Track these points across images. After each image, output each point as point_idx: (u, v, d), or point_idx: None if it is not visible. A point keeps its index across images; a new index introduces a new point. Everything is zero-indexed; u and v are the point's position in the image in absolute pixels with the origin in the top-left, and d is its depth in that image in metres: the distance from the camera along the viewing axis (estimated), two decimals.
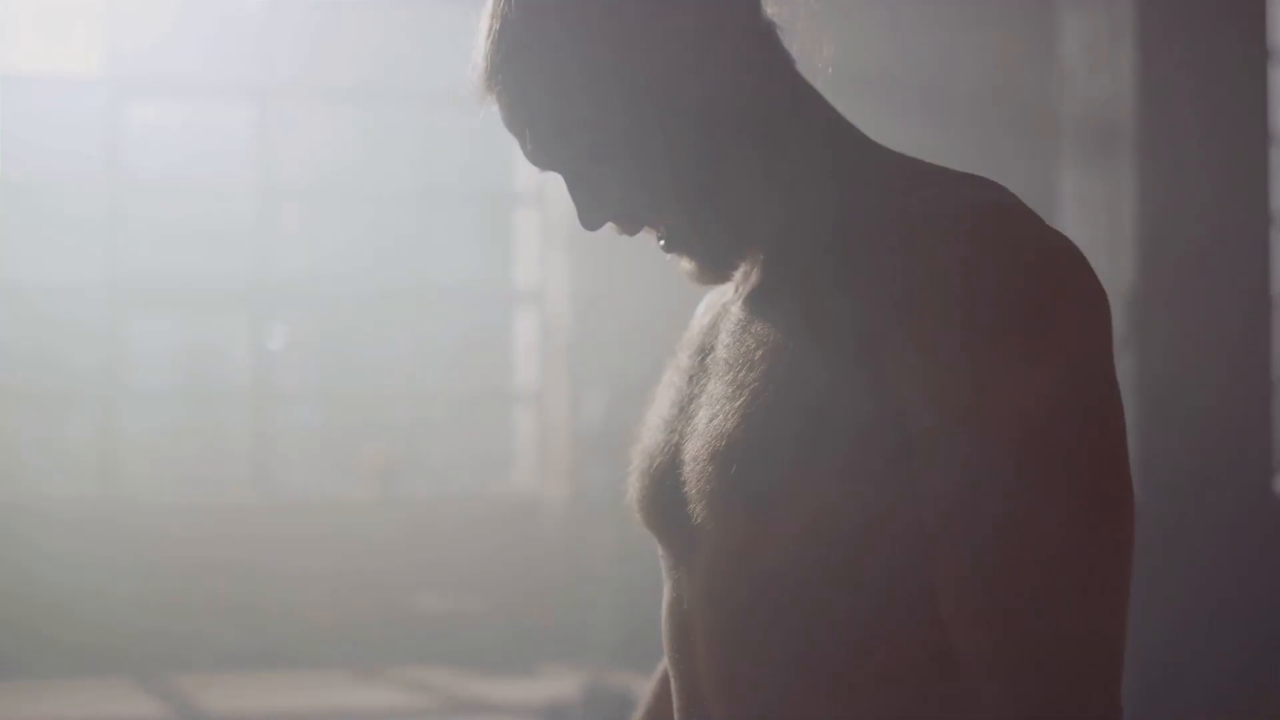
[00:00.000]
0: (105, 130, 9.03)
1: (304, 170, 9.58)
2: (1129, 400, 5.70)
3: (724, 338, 1.54)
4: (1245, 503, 5.73)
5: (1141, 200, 5.69)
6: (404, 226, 9.55)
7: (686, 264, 1.57)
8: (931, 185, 1.42)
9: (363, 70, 9.67)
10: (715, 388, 1.50)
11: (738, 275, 1.60)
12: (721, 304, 1.62)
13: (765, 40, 1.54)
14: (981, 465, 1.31)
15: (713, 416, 1.48)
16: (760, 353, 1.46)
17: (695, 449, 1.49)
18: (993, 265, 1.32)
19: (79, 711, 7.45)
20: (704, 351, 1.58)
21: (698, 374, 1.57)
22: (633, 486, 1.63)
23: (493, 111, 1.57)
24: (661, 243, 1.55)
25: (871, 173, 1.49)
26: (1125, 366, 5.72)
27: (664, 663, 1.84)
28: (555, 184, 9.53)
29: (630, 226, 1.55)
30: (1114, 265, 5.77)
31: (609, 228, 1.58)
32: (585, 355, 9.30)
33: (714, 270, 1.55)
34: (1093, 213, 5.91)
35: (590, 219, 1.56)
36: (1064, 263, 1.34)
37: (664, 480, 1.56)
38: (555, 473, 9.45)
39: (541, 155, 1.54)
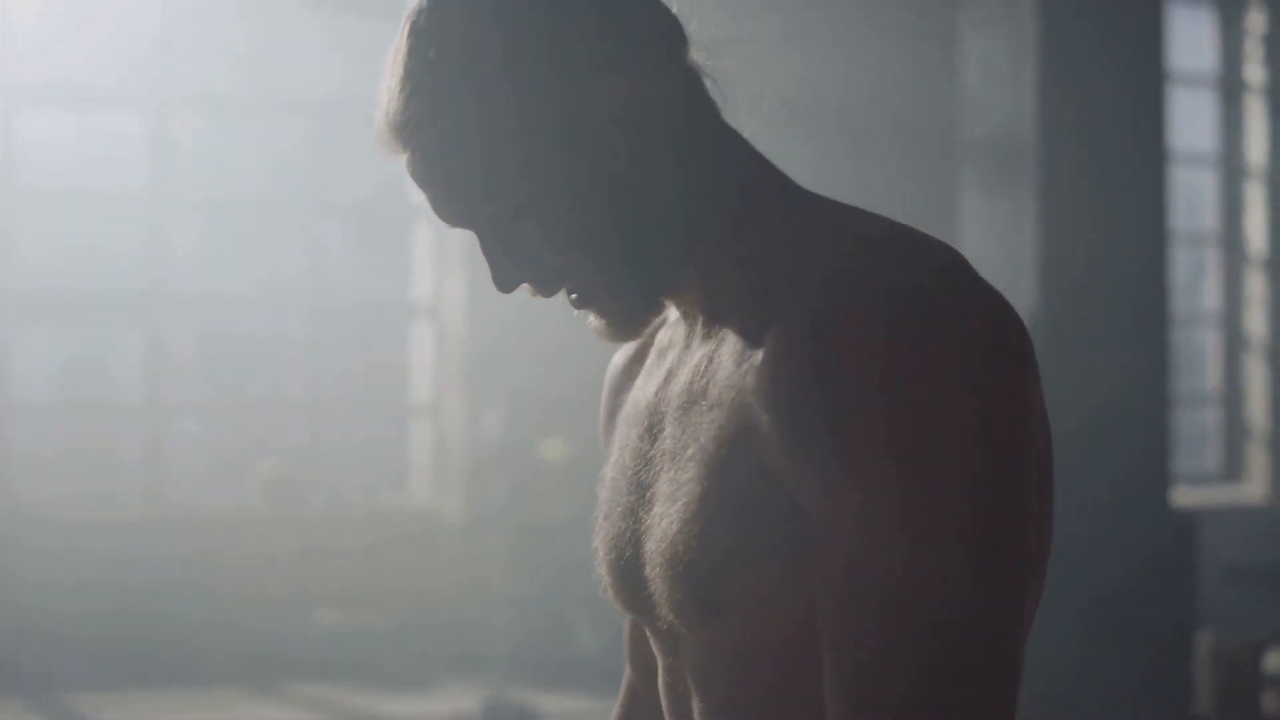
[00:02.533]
0: None
1: (198, 182, 9.50)
2: None
3: (669, 425, 1.50)
4: (1144, 517, 5.85)
5: (1042, 221, 5.80)
6: (299, 240, 9.50)
7: (596, 321, 1.53)
8: (856, 256, 1.38)
9: (258, 82, 9.61)
10: (662, 484, 1.48)
11: (666, 335, 1.59)
12: (663, 371, 1.57)
13: (689, 88, 1.51)
14: (863, 568, 1.28)
15: (662, 516, 1.45)
16: (690, 450, 1.44)
17: (651, 551, 1.47)
18: (889, 367, 1.28)
19: None
20: (653, 433, 1.54)
21: (650, 460, 1.53)
22: (604, 576, 1.59)
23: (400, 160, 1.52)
24: (573, 298, 1.52)
25: (796, 232, 1.46)
26: None
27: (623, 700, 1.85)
28: None
29: (547, 288, 1.52)
30: (1015, 285, 5.88)
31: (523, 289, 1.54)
32: (482, 369, 9.30)
33: (625, 329, 1.53)
34: (994, 234, 6.01)
35: (505, 280, 1.52)
36: (972, 357, 1.29)
37: (632, 576, 1.52)
38: (452, 487, 9.44)
39: (455, 213, 1.50)
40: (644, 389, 1.60)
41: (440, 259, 9.61)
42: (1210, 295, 11.22)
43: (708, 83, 1.54)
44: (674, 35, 1.51)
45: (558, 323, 8.50)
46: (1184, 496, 9.41)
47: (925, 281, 1.32)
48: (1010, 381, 1.31)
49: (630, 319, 1.52)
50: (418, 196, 9.44)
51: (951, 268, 1.35)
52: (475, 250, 9.27)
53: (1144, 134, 5.91)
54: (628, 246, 1.48)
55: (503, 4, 1.46)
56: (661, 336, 1.62)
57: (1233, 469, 11.13)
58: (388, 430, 10.08)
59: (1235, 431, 11.15)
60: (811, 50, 9.47)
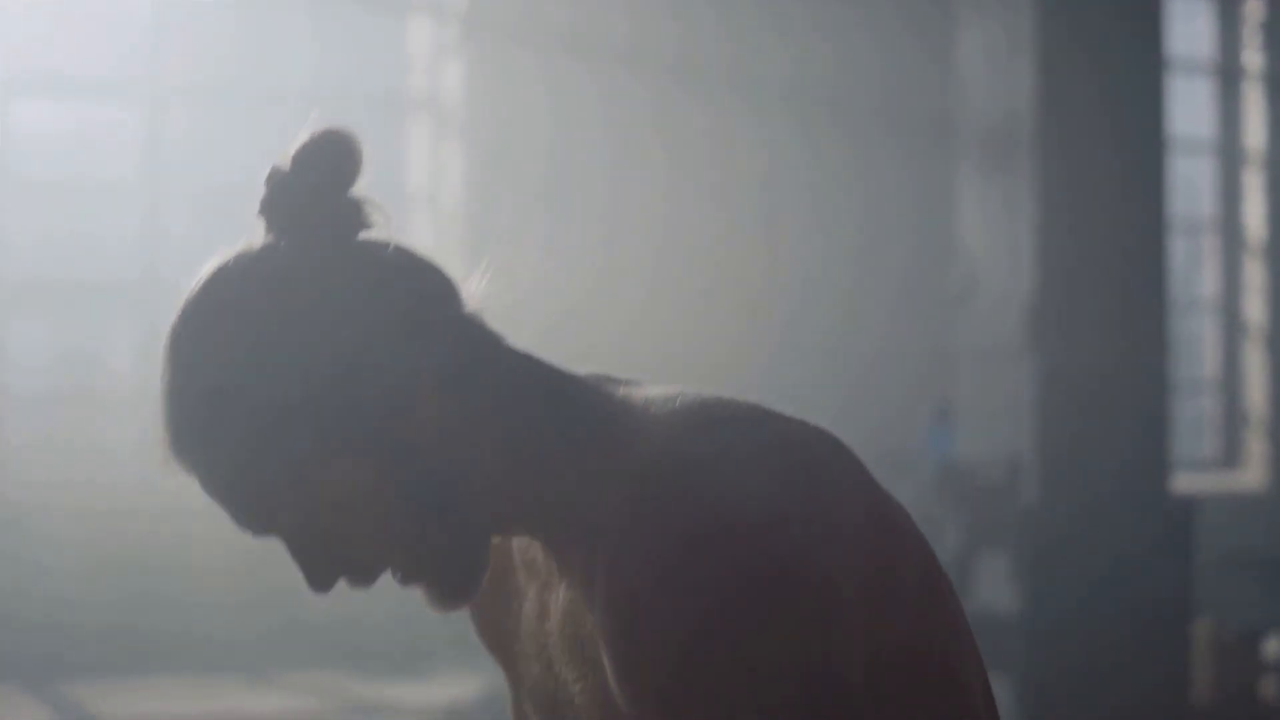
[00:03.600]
0: None
1: (191, 172, 9.48)
2: (1029, 403, 5.79)
3: (562, 665, 1.52)
4: (1144, 502, 5.84)
5: (1040, 207, 5.78)
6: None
7: (426, 595, 1.50)
8: (651, 485, 1.38)
9: (250, 71, 9.58)
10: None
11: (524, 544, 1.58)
12: (538, 604, 1.57)
13: (464, 347, 1.48)
14: None
15: None
16: (583, 686, 1.47)
17: None
18: (685, 618, 1.31)
19: None
20: (554, 671, 1.55)
21: (562, 691, 1.54)
22: None
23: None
24: (397, 577, 1.49)
25: (596, 456, 1.45)
26: (1025, 371, 5.81)
27: None
28: (451, 181, 9.51)
29: (366, 582, 1.49)
30: (1013, 271, 5.86)
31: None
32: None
33: (457, 601, 1.50)
34: (992, 220, 5.99)
35: (320, 583, 1.50)
36: (771, 585, 1.32)
37: None
38: None
39: (252, 527, 1.48)
40: (529, 619, 1.59)
41: (436, 248, 9.57)
42: (1208, 282, 11.19)
43: (488, 319, 1.51)
44: (440, 297, 1.48)
45: (559, 304, 8.46)
46: (1182, 483, 9.37)
47: (712, 514, 1.33)
48: (811, 594, 1.33)
49: (459, 594, 1.49)
50: (415, 182, 9.39)
51: (746, 464, 1.37)
52: (472, 242, 9.26)
53: (1142, 120, 5.89)
54: (432, 535, 1.46)
55: (258, 314, 1.44)
56: (520, 545, 1.60)
57: (1231, 456, 11.12)
58: None
59: (1233, 419, 11.14)
60: (807, 36, 9.43)
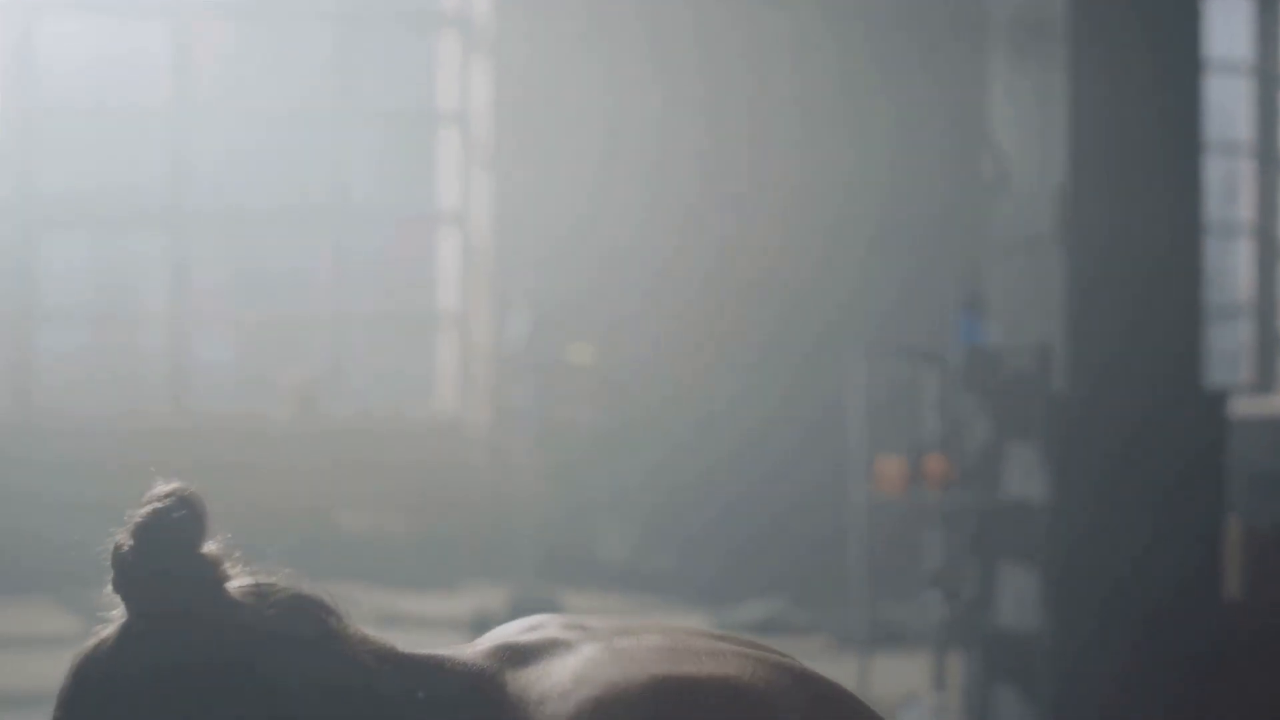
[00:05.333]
0: (17, 48, 8.89)
1: (222, 90, 9.46)
2: (1059, 293, 5.73)
3: None
4: (1174, 395, 5.77)
5: (1073, 94, 5.71)
6: (324, 147, 9.46)
7: None
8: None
9: None
10: None
11: None
12: None
13: (362, 672, 1.47)
14: None
15: None
16: None
17: None
18: None
19: None
20: None
21: None
22: None
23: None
24: None
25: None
26: (1056, 261, 5.75)
27: None
28: (479, 103, 9.47)
29: None
30: (1045, 160, 5.79)
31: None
32: (508, 276, 9.26)
33: None
34: (1023, 108, 5.92)
35: None
36: None
37: None
38: (478, 394, 9.42)
39: None
40: None
41: (466, 167, 9.55)
42: (1244, 207, 11.10)
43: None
44: (316, 631, 1.47)
45: (583, 228, 8.49)
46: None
47: None
48: None
49: None
50: (445, 103, 9.36)
51: None
52: (501, 156, 9.22)
53: (1177, 37, 5.80)
54: None
55: (128, 704, 1.41)
56: None
57: (1265, 381, 11.04)
58: (414, 340, 10.05)
59: (1267, 344, 11.05)
60: None
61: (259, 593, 1.47)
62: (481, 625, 7.49)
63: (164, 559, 1.44)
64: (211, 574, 1.46)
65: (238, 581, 1.48)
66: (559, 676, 1.45)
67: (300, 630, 1.46)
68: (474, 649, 1.53)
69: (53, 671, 1.52)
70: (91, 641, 1.46)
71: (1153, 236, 5.78)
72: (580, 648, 1.49)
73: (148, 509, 1.47)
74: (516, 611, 7.58)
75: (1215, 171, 10.71)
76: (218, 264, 9.89)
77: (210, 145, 9.34)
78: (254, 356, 9.95)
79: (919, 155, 9.37)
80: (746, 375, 9.25)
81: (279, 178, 9.74)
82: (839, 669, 5.60)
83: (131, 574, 1.44)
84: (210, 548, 1.48)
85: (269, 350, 9.93)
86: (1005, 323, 5.95)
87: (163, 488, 1.48)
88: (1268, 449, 10.15)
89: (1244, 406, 10.44)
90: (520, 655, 1.51)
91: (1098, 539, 5.69)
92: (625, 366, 9.20)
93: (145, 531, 1.44)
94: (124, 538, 1.45)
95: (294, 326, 9.95)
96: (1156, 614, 5.76)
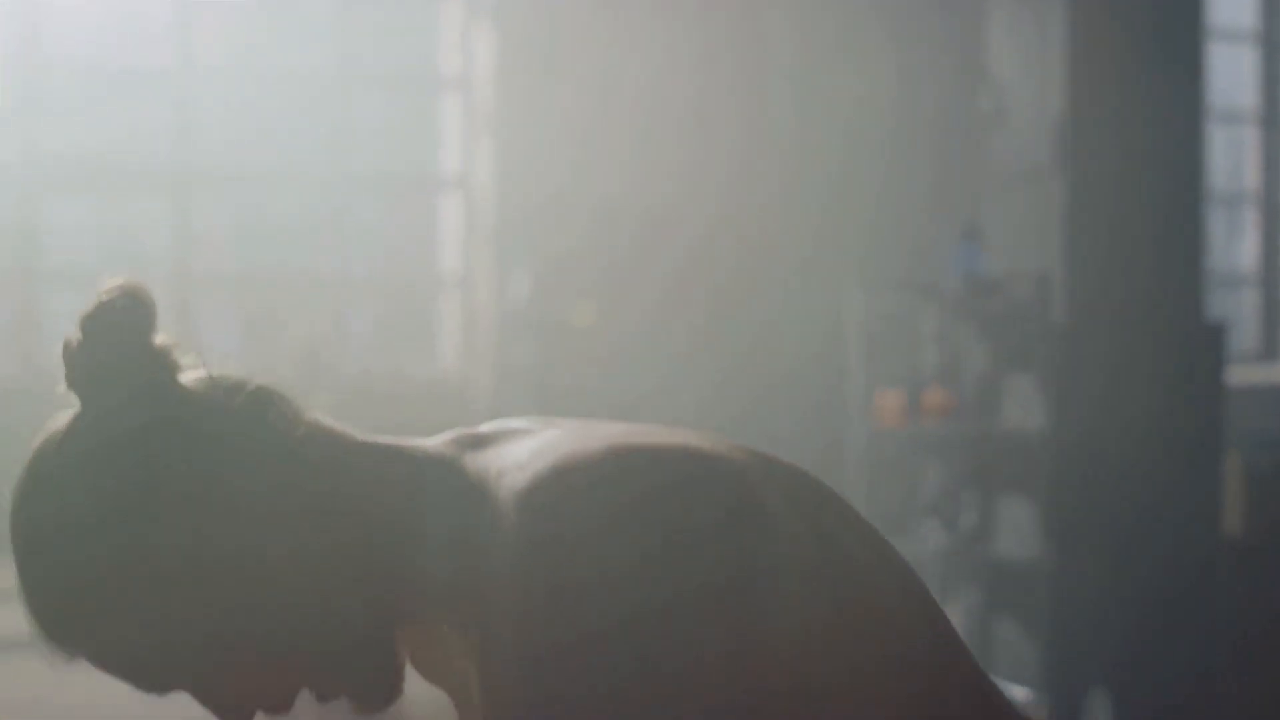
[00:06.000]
0: (22, 9, 8.91)
1: (226, 53, 9.47)
2: (1058, 224, 5.73)
3: None
4: (1174, 323, 5.77)
5: (1071, 25, 5.71)
6: (328, 111, 9.47)
7: (348, 703, 1.50)
8: (513, 544, 1.36)
9: None
10: None
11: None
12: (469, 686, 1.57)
13: (321, 460, 1.46)
14: None
15: None
16: None
17: None
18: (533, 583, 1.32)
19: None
20: None
21: None
22: None
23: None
24: (315, 697, 1.47)
25: (463, 531, 1.43)
26: (1055, 192, 5.74)
27: None
28: (481, 68, 9.48)
29: (283, 707, 1.47)
30: (1043, 90, 5.79)
31: None
32: (510, 238, 9.26)
33: (376, 706, 1.49)
34: (1023, 40, 5.92)
35: (239, 717, 1.47)
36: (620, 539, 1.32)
37: None
38: (480, 354, 9.42)
39: (151, 688, 1.46)
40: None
41: (469, 129, 9.57)
42: (1249, 175, 11.09)
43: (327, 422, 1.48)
44: (272, 418, 1.45)
45: (584, 189, 8.50)
46: (1233, 375, 9.28)
47: (567, 569, 1.33)
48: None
49: (377, 698, 1.48)
50: (448, 69, 9.39)
51: (608, 511, 1.35)
52: (504, 119, 9.23)
53: None
54: (329, 654, 1.45)
55: (85, 490, 1.40)
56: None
57: (1270, 348, 11.02)
58: (417, 301, 10.06)
59: (1272, 312, 11.04)
60: None
61: (212, 383, 1.46)
62: None
63: (112, 349, 1.43)
64: (162, 363, 1.45)
65: (191, 373, 1.47)
66: (518, 453, 1.44)
67: (256, 417, 1.45)
68: (435, 439, 1.53)
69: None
70: (44, 433, 1.47)
71: (1152, 166, 5.77)
72: (541, 432, 1.49)
73: (97, 304, 1.45)
74: None
75: (1220, 141, 10.70)
76: (221, 225, 9.89)
77: (214, 108, 9.35)
78: (257, 316, 9.96)
79: (918, 89, 9.39)
80: (749, 324, 9.25)
81: (283, 141, 9.75)
82: None
83: (81, 366, 1.43)
84: (160, 339, 1.47)
85: (272, 310, 9.94)
86: (1004, 255, 5.95)
87: (110, 283, 1.47)
88: (1272, 415, 10.14)
89: (1248, 374, 10.43)
90: (481, 440, 1.51)
91: (1096, 470, 5.68)
92: (625, 326, 9.21)
93: (92, 324, 1.43)
94: (73, 332, 1.45)
95: (297, 288, 9.96)
96: (1155, 544, 5.74)
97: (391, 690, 1.48)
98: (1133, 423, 5.72)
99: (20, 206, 8.98)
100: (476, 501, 1.42)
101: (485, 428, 1.53)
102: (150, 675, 1.44)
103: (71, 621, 1.41)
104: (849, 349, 6.38)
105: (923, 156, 9.35)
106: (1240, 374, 10.32)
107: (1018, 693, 5.80)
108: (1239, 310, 11.11)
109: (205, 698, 1.47)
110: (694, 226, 9.30)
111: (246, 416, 1.43)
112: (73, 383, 1.44)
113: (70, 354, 1.44)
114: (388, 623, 1.47)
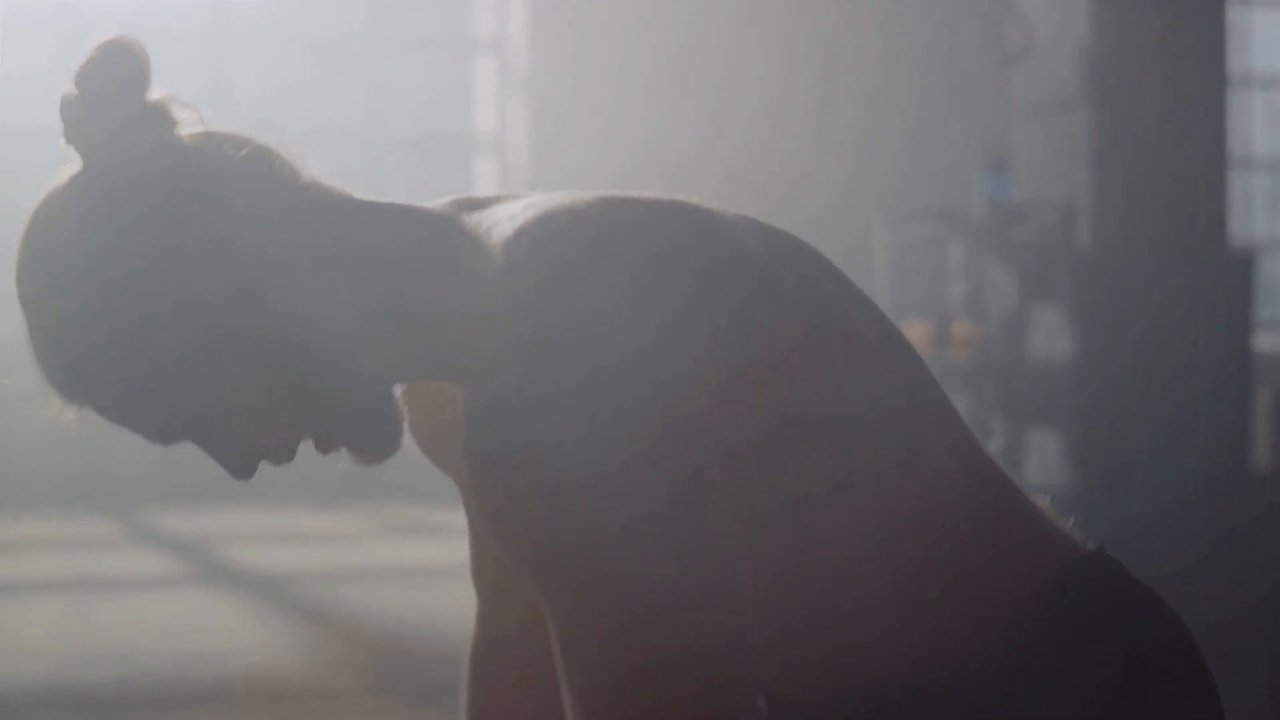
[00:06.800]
0: None
1: (259, 15, 9.52)
2: (1084, 154, 5.70)
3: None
4: (1201, 252, 5.74)
5: None
6: (362, 73, 9.50)
7: (348, 454, 1.52)
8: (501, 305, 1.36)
9: None
10: None
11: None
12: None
13: (318, 214, 1.47)
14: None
15: None
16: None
17: None
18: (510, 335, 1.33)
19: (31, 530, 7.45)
20: None
21: None
22: None
23: None
24: (317, 447, 1.50)
25: (457, 288, 1.44)
26: (1079, 121, 5.72)
27: None
28: (515, 30, 9.50)
29: (285, 459, 1.50)
30: (1067, 20, 5.77)
31: None
32: None
33: (377, 457, 1.51)
34: None
35: (241, 470, 1.50)
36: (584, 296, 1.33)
37: None
38: None
39: (158, 438, 1.49)
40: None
41: (503, 90, 9.58)
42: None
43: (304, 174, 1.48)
44: (270, 173, 1.46)
45: (618, 151, 8.43)
46: (1263, 341, 9.21)
47: (554, 322, 1.33)
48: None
49: (377, 448, 1.50)
50: (482, 30, 9.37)
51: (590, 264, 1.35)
52: (538, 81, 9.25)
53: None
54: (330, 402, 1.46)
55: (86, 242, 1.41)
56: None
57: None
58: None
59: None
60: None
61: (211, 137, 1.47)
62: None
63: (109, 103, 1.44)
64: (159, 118, 1.46)
65: (189, 128, 1.47)
66: (512, 207, 1.46)
67: (259, 171, 1.45)
68: (435, 201, 1.54)
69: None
70: (45, 189, 1.46)
71: (1178, 95, 5.74)
72: (535, 196, 1.49)
73: (91, 58, 1.45)
74: None
75: (1262, 107, 10.64)
76: None
77: (248, 70, 9.40)
78: None
79: (945, 20, 9.39)
80: None
81: (317, 103, 9.79)
82: None
83: (78, 120, 1.44)
84: (157, 94, 1.47)
85: None
86: (1029, 186, 5.92)
87: (104, 40, 1.47)
88: None
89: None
90: (478, 203, 1.52)
91: (1124, 400, 5.65)
92: None
93: (88, 78, 1.44)
94: (70, 89, 1.45)
95: None
96: (1183, 478, 5.71)
97: (391, 442, 1.50)
98: (1159, 351, 5.68)
99: (55, 170, 9.02)
100: (470, 252, 1.43)
101: (483, 195, 1.54)
102: (156, 423, 1.46)
103: (78, 371, 1.43)
104: (876, 281, 6.37)
105: (950, 87, 9.35)
106: (1271, 342, 10.23)
107: None
108: (1275, 278, 11.04)
109: (209, 446, 1.49)
110: (723, 170, 9.29)
111: (248, 171, 1.44)
112: (71, 138, 1.45)
113: (67, 109, 1.45)
114: (387, 374, 1.48)
